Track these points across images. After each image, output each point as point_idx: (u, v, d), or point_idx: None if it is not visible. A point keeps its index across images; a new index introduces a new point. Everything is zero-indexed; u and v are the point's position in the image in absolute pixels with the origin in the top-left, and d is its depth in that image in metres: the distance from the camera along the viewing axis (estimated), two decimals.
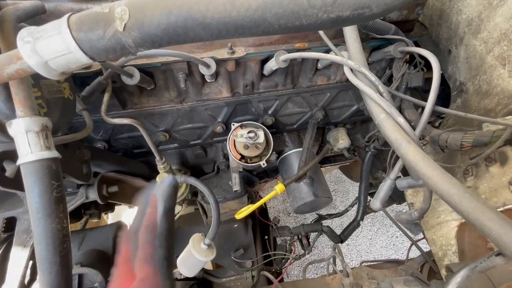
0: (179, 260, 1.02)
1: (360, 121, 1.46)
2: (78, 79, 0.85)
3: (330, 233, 1.38)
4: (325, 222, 1.48)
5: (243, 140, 1.04)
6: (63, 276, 0.51)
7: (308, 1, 0.37)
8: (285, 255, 1.35)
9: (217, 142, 1.31)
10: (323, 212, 1.56)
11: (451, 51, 1.07)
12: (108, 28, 0.37)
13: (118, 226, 1.25)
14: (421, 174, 0.57)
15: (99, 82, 0.82)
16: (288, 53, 0.88)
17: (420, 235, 1.10)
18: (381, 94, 0.72)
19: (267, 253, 1.33)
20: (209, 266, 1.50)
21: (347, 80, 0.81)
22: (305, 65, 1.03)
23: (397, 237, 2.89)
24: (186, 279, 1.17)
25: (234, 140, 1.07)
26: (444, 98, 1.17)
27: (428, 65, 0.87)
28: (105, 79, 0.82)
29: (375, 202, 0.87)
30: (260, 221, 1.47)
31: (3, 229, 0.99)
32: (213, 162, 1.38)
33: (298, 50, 0.91)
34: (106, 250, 1.17)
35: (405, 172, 0.92)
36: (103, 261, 1.12)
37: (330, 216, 1.59)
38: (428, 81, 0.82)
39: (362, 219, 1.40)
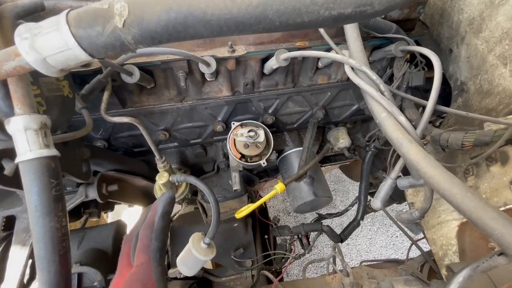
0: (179, 259, 1.01)
1: (361, 121, 1.46)
2: (78, 78, 0.85)
3: (330, 232, 1.38)
4: (325, 222, 1.47)
5: (243, 139, 1.03)
6: (62, 275, 0.51)
7: None
8: (285, 254, 1.35)
9: (217, 141, 1.31)
10: (323, 211, 1.56)
11: (452, 50, 1.06)
12: (107, 24, 0.37)
13: (118, 225, 1.25)
14: (422, 173, 0.56)
15: (98, 80, 0.82)
16: (289, 51, 0.87)
17: (420, 235, 1.10)
18: (382, 93, 0.71)
19: (267, 253, 1.33)
20: (209, 265, 1.49)
21: (348, 79, 0.81)
22: (306, 64, 1.03)
23: (397, 236, 2.89)
24: (186, 278, 1.17)
25: (234, 139, 1.07)
26: (445, 97, 1.17)
27: (429, 65, 0.87)
28: (104, 78, 0.81)
29: (376, 201, 0.87)
30: (260, 221, 1.47)
31: (2, 228, 0.99)
32: (213, 161, 1.37)
33: (299, 48, 0.91)
34: (105, 249, 1.16)
35: (405, 171, 0.92)
36: (103, 260, 1.12)
37: (330, 215, 1.59)
38: (429, 80, 0.82)
39: (362, 218, 1.40)
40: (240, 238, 1.32)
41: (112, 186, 1.06)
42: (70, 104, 0.73)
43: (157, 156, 0.96)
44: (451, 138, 0.80)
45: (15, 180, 0.63)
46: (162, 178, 0.98)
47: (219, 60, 0.88)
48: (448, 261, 0.90)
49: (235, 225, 1.35)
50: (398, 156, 0.80)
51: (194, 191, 1.35)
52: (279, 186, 1.06)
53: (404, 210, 0.95)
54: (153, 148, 0.92)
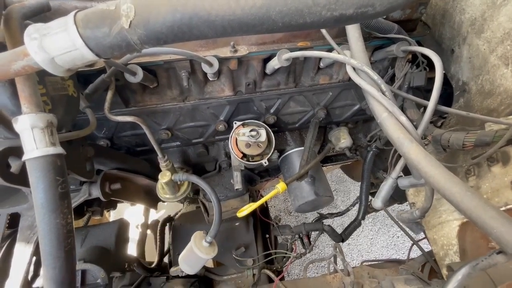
0: (181, 257, 1.02)
1: (362, 121, 1.46)
2: (82, 77, 0.86)
3: (331, 232, 1.38)
4: (326, 221, 1.48)
5: (245, 139, 1.04)
6: (67, 271, 0.52)
7: None
8: (286, 253, 1.35)
9: (219, 141, 1.32)
10: (324, 211, 1.56)
11: (454, 51, 1.06)
12: (114, 25, 0.38)
13: (121, 223, 1.26)
14: (423, 173, 0.57)
15: (102, 80, 0.83)
16: (291, 52, 0.88)
17: (421, 235, 1.10)
18: (383, 93, 0.72)
19: (268, 252, 1.34)
20: (210, 264, 1.50)
21: (349, 79, 0.81)
22: (308, 64, 1.03)
23: (398, 237, 2.89)
24: (188, 276, 1.18)
25: (236, 139, 1.08)
26: (446, 98, 1.17)
27: (430, 65, 0.87)
28: (108, 77, 0.82)
29: (377, 201, 0.88)
30: (261, 220, 1.47)
31: (7, 225, 1.00)
32: (215, 161, 1.38)
33: (301, 49, 0.91)
34: (108, 247, 1.17)
35: (406, 171, 0.92)
36: (106, 257, 1.13)
37: (331, 215, 1.59)
38: (431, 80, 0.82)
39: (363, 218, 1.40)
40: (241, 237, 1.33)
41: (115, 185, 1.07)
42: (75, 103, 0.74)
43: (159, 155, 0.97)
44: (452, 138, 0.81)
45: (21, 178, 0.64)
46: (164, 177, 0.99)
47: (222, 60, 0.89)
48: (449, 261, 0.90)
49: (237, 224, 1.35)
50: (399, 156, 0.80)
51: (196, 190, 1.35)
52: (281, 186, 1.06)
53: (405, 210, 0.96)
54: (155, 147, 0.93)
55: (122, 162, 1.10)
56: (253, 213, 1.27)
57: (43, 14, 0.58)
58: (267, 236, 1.44)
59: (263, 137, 1.05)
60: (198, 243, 1.00)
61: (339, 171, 3.20)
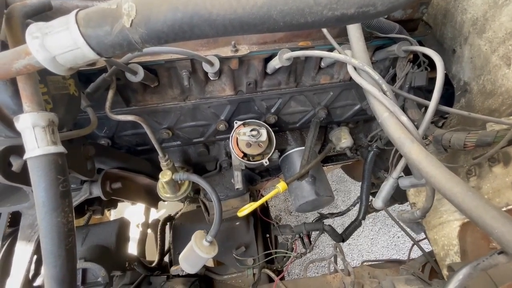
0: (181, 257, 1.03)
1: (363, 121, 1.46)
2: (83, 76, 0.86)
3: (331, 232, 1.38)
4: (327, 221, 1.48)
5: (246, 138, 1.04)
6: (68, 270, 0.52)
7: None
8: (286, 253, 1.35)
9: (220, 140, 1.32)
10: (325, 211, 1.56)
11: (455, 51, 1.06)
12: (115, 24, 0.38)
13: (121, 222, 1.27)
14: (424, 173, 0.57)
15: (103, 79, 0.83)
16: (292, 51, 0.88)
17: (422, 235, 1.10)
18: (384, 93, 0.72)
19: (268, 251, 1.34)
20: (210, 263, 1.50)
21: (350, 79, 0.81)
22: (309, 64, 1.03)
23: (398, 237, 2.89)
24: (188, 275, 1.18)
25: (237, 138, 1.08)
26: (447, 98, 1.17)
27: (432, 65, 0.87)
28: (109, 76, 0.83)
29: (377, 200, 0.87)
30: (261, 219, 1.47)
31: (8, 224, 1.00)
32: (216, 160, 1.38)
33: (302, 48, 0.91)
34: (109, 245, 1.18)
35: (407, 171, 0.92)
36: (106, 256, 1.13)
37: (332, 215, 1.59)
38: (432, 80, 0.82)
39: (363, 218, 1.40)
40: (241, 237, 1.33)
41: (115, 184, 1.07)
42: (76, 102, 0.74)
43: (160, 155, 0.97)
44: (454, 138, 0.81)
45: (22, 176, 0.64)
46: (165, 176, 0.99)
47: (223, 60, 0.89)
48: (450, 261, 0.90)
49: (237, 223, 1.35)
50: (400, 156, 0.80)
51: (196, 190, 1.36)
52: (281, 185, 1.06)
53: (405, 210, 0.95)
54: (156, 146, 0.93)
55: (123, 161, 1.10)
56: (253, 213, 1.27)
57: (44, 13, 0.58)
58: (268, 235, 1.44)
59: (264, 136, 1.05)
60: (199, 242, 1.00)
61: (340, 171, 3.20)
